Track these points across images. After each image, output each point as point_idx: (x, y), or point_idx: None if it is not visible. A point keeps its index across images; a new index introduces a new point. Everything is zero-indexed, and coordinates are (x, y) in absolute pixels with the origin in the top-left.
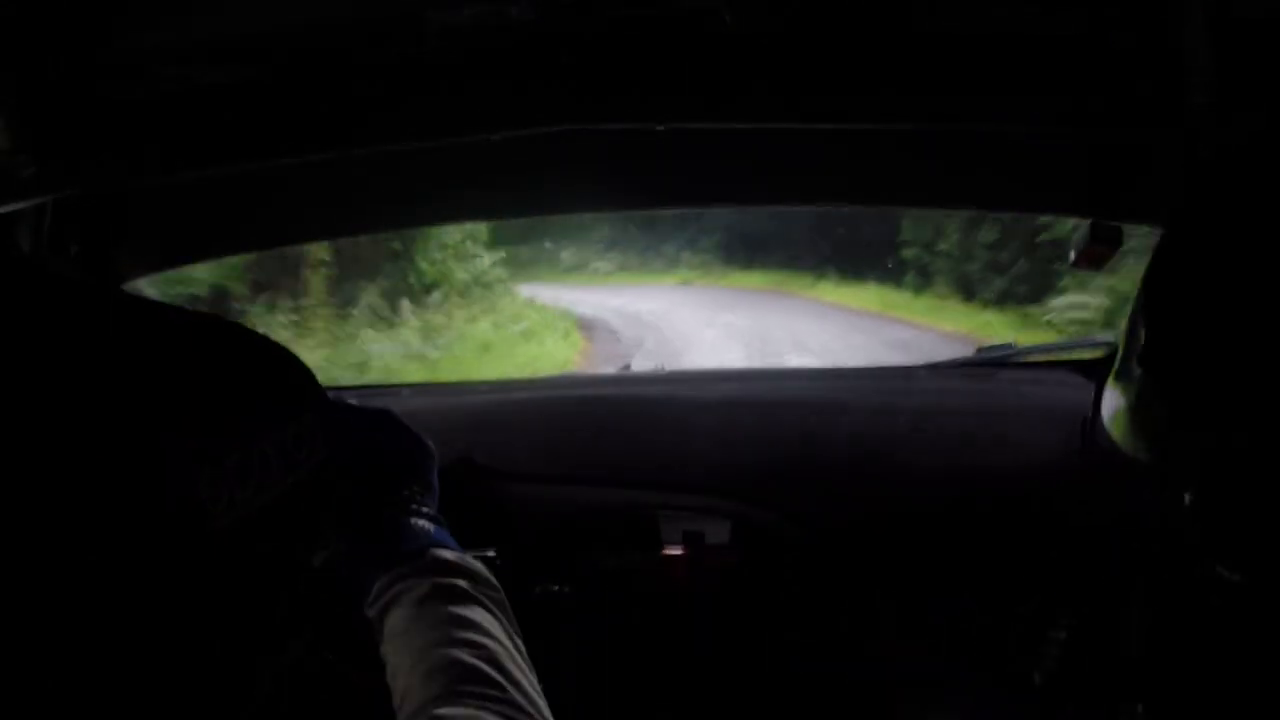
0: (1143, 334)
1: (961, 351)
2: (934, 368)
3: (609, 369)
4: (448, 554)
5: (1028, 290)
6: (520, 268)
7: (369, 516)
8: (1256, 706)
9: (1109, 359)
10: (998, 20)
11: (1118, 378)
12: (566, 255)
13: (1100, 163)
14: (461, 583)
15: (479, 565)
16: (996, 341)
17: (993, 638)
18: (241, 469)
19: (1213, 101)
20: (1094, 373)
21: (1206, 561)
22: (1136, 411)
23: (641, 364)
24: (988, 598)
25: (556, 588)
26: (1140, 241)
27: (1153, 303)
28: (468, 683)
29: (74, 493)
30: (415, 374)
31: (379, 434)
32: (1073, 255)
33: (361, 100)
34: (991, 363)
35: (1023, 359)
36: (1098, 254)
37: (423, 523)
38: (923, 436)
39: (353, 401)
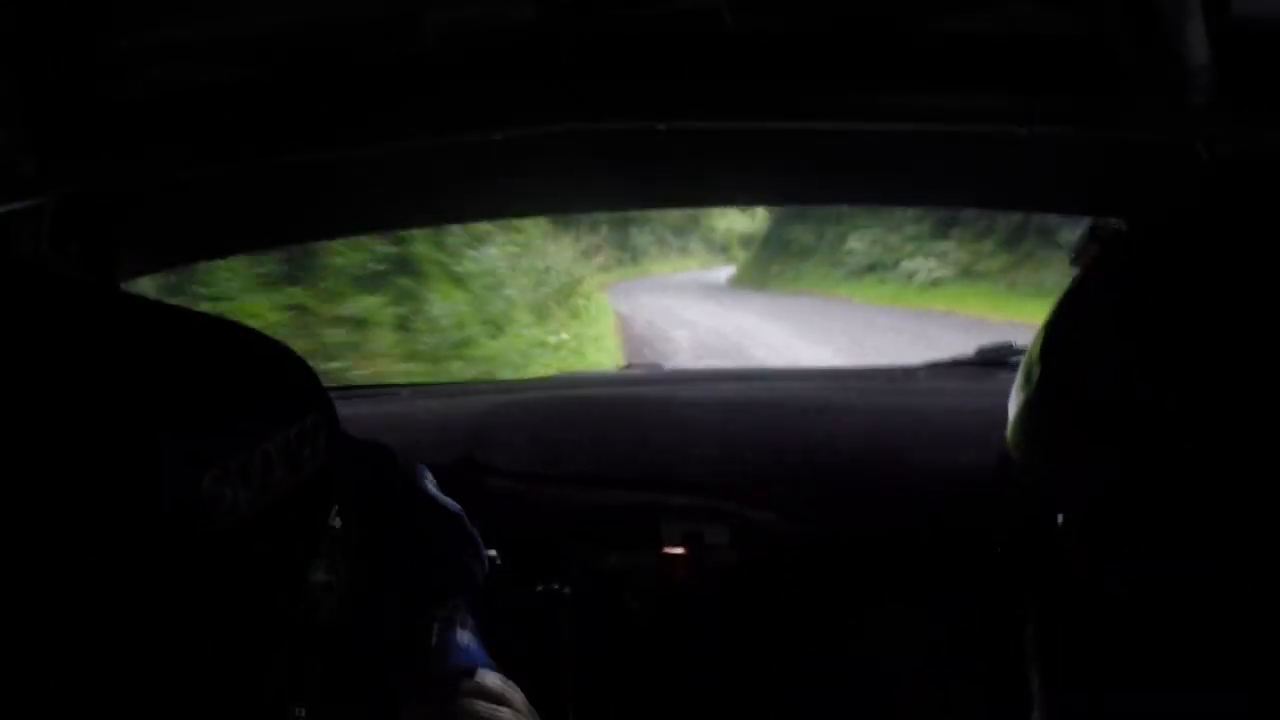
0: (1041, 344)
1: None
2: (934, 368)
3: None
4: (492, 679)
5: None
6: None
7: (414, 622)
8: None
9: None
10: (998, 20)
11: (1020, 384)
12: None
13: (1100, 164)
14: (504, 712)
15: (517, 693)
16: (996, 341)
17: (993, 636)
18: (243, 469)
19: (1213, 101)
20: None
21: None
22: (1027, 420)
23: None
24: (988, 598)
25: (556, 588)
26: None
27: (1075, 303)
28: None
29: (74, 492)
30: None
31: (443, 534)
32: (1072, 255)
33: (361, 100)
34: (991, 363)
35: (1023, 358)
36: (1097, 253)
37: (467, 638)
38: (923, 436)
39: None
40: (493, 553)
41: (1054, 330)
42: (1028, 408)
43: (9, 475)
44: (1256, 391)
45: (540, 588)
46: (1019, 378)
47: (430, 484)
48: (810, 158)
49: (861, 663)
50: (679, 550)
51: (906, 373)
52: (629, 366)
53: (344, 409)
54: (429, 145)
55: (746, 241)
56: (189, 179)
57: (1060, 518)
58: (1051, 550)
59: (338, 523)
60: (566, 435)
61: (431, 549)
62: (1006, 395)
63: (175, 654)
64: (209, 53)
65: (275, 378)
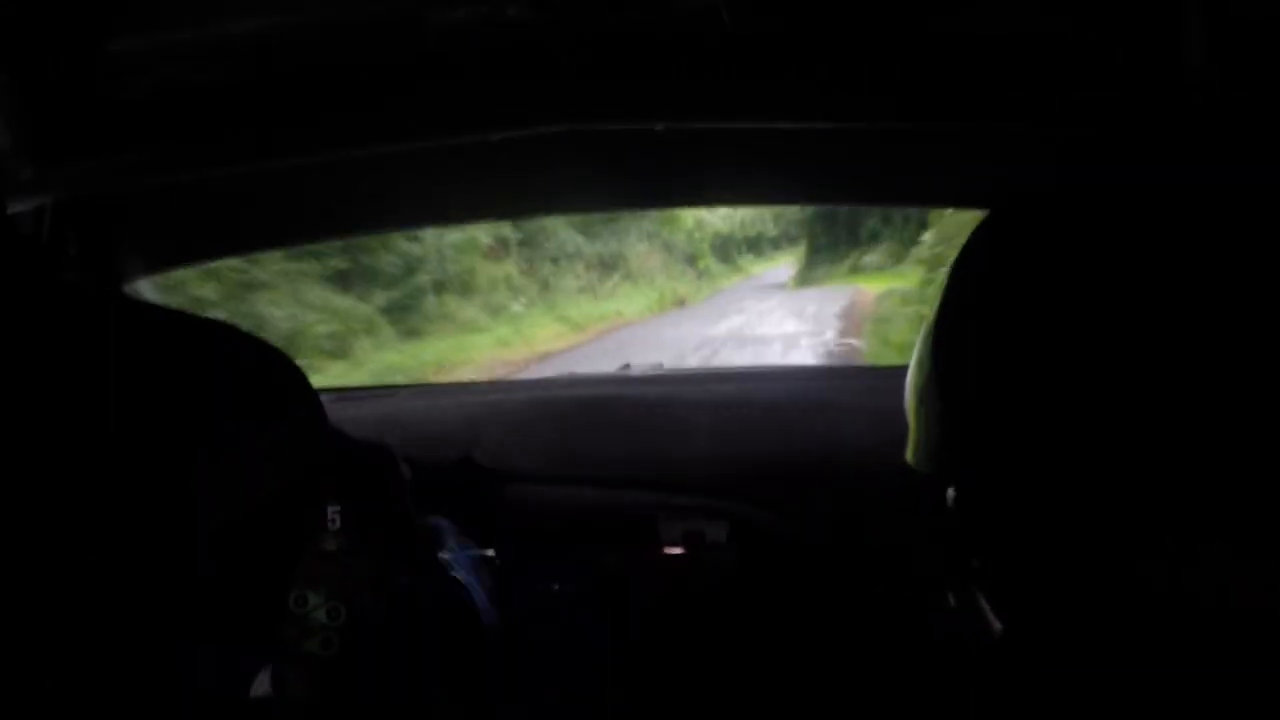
0: (933, 322)
1: None
2: None
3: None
4: None
5: None
6: None
7: (407, 693)
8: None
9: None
10: (998, 20)
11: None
12: None
13: (1101, 163)
14: None
15: None
16: None
17: (992, 638)
18: (233, 469)
19: (1213, 100)
20: None
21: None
22: (918, 405)
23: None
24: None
25: (556, 588)
26: None
27: (952, 290)
28: None
29: (69, 494)
30: None
31: (441, 613)
32: None
33: (361, 100)
34: None
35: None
36: None
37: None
38: None
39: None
40: (492, 552)
41: (938, 330)
42: (917, 391)
43: (3, 479)
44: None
45: (540, 588)
46: (911, 381)
47: (451, 545)
48: (810, 158)
49: (861, 663)
50: (679, 550)
51: (905, 372)
52: (628, 366)
53: (344, 409)
54: (429, 145)
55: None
56: (189, 179)
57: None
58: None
59: (336, 522)
60: (566, 435)
61: (436, 624)
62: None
63: (167, 654)
64: (209, 54)
65: (262, 378)
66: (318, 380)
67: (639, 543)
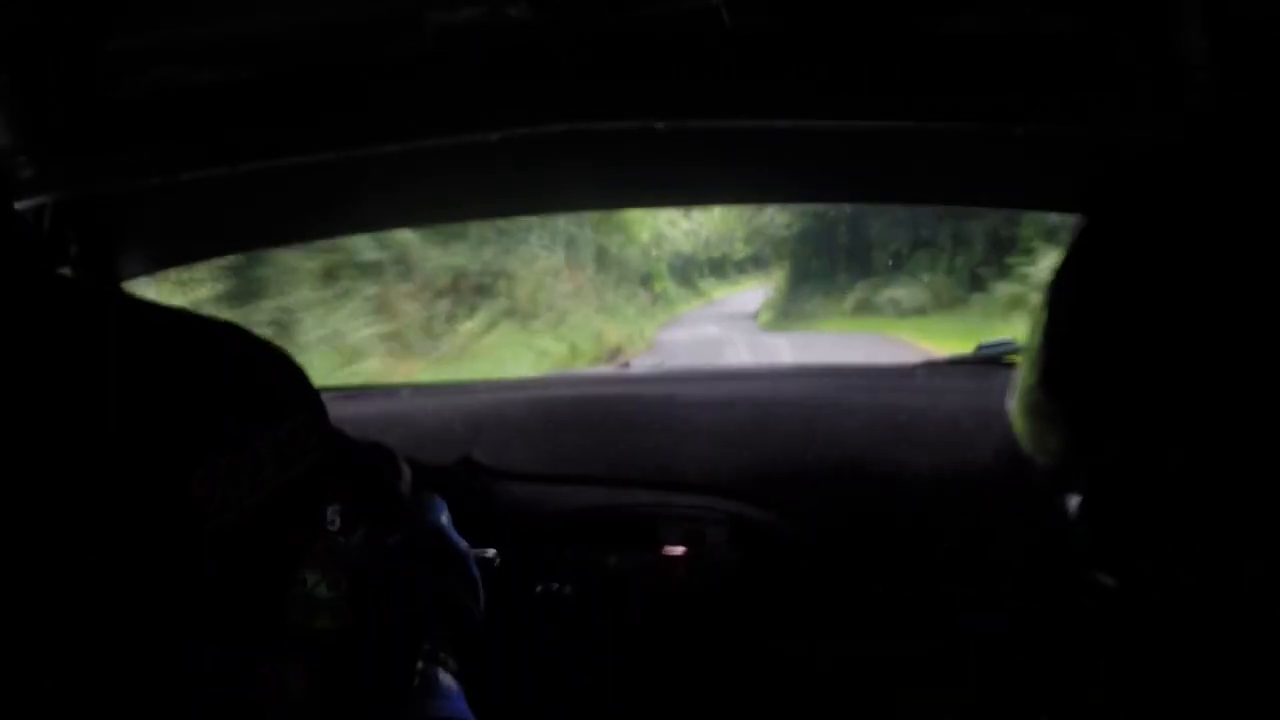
0: (1041, 339)
1: None
2: (933, 366)
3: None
4: None
5: None
6: None
7: (400, 652)
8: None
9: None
10: (998, 20)
11: (1023, 378)
12: None
13: (1100, 163)
14: None
15: None
16: (996, 339)
17: (992, 636)
18: (234, 468)
19: (1213, 101)
20: None
21: (1087, 568)
22: (1031, 411)
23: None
24: (988, 596)
25: (556, 587)
26: None
27: (1057, 298)
28: None
29: (70, 494)
30: None
31: (447, 571)
32: None
33: (361, 100)
34: (991, 361)
35: (1021, 357)
36: None
37: (448, 679)
38: (922, 436)
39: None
40: (492, 552)
41: (1052, 316)
42: (1028, 396)
43: (4, 479)
44: (1241, 385)
45: (540, 588)
46: (1023, 366)
47: (445, 518)
48: (810, 157)
49: (861, 662)
50: (679, 550)
51: (905, 372)
52: (628, 366)
53: (344, 409)
54: (429, 145)
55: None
56: (189, 179)
57: (1071, 507)
58: (1053, 544)
59: (336, 523)
60: (566, 435)
61: (429, 584)
62: (1006, 394)
63: (167, 654)
64: (208, 53)
65: (264, 377)
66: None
67: (639, 543)
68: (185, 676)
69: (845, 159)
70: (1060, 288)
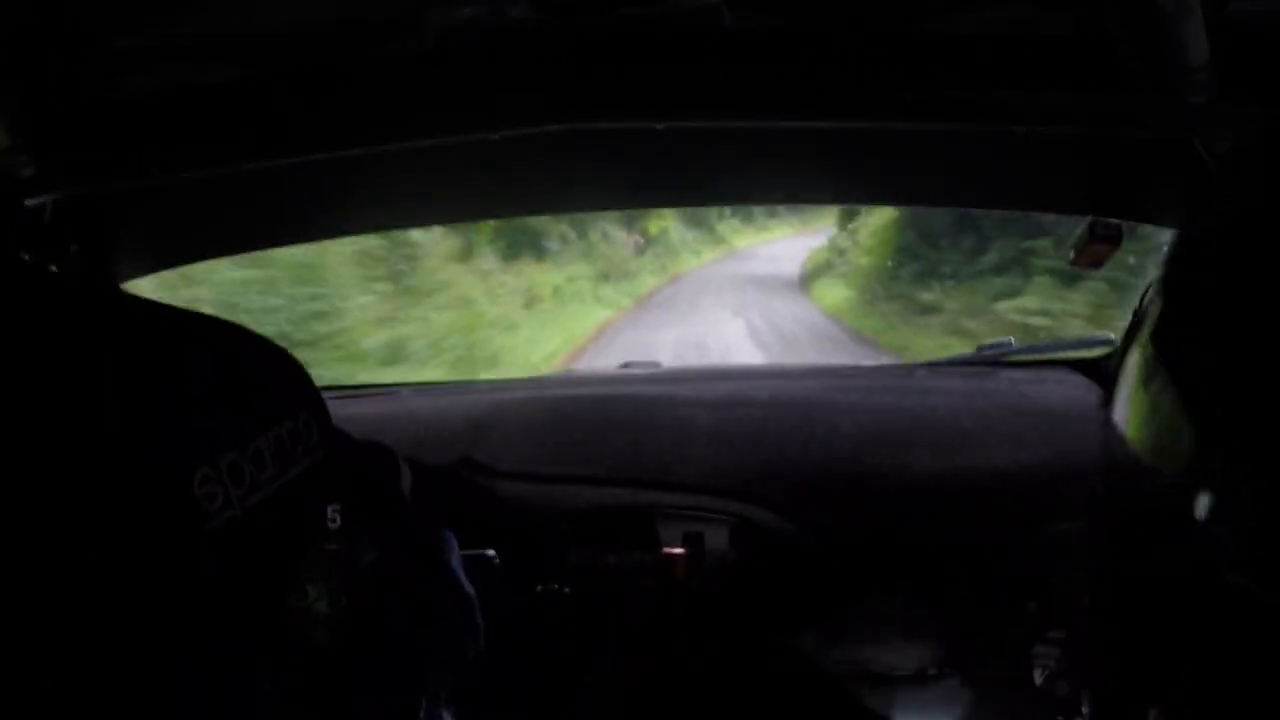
0: (1156, 327)
1: None
2: (933, 366)
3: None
4: None
5: None
6: None
7: (403, 692)
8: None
9: (1108, 357)
10: (998, 20)
11: (1133, 374)
12: None
13: (1100, 162)
14: None
15: None
16: (996, 339)
17: (993, 637)
18: (236, 468)
19: (1213, 101)
20: (1093, 371)
21: (1218, 568)
22: (1151, 410)
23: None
24: (988, 597)
25: (556, 588)
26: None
27: (1172, 298)
28: None
29: (70, 494)
30: None
31: (453, 614)
32: (1073, 254)
33: (362, 100)
34: (991, 361)
35: (1022, 357)
36: (1097, 253)
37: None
38: (922, 436)
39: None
40: (492, 552)
41: (1167, 329)
42: (1154, 412)
43: (6, 478)
44: None
45: (540, 588)
46: (1137, 359)
47: (456, 560)
48: (810, 157)
49: (861, 662)
50: (679, 550)
51: (905, 371)
52: (628, 366)
53: (344, 409)
54: (429, 145)
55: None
56: (189, 179)
57: (1199, 503)
58: (1155, 546)
59: (336, 521)
60: (566, 435)
61: (437, 626)
62: (1006, 395)
63: (167, 653)
64: (208, 53)
65: (265, 376)
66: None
67: (639, 543)
68: (185, 676)
69: (845, 159)
70: (1180, 272)
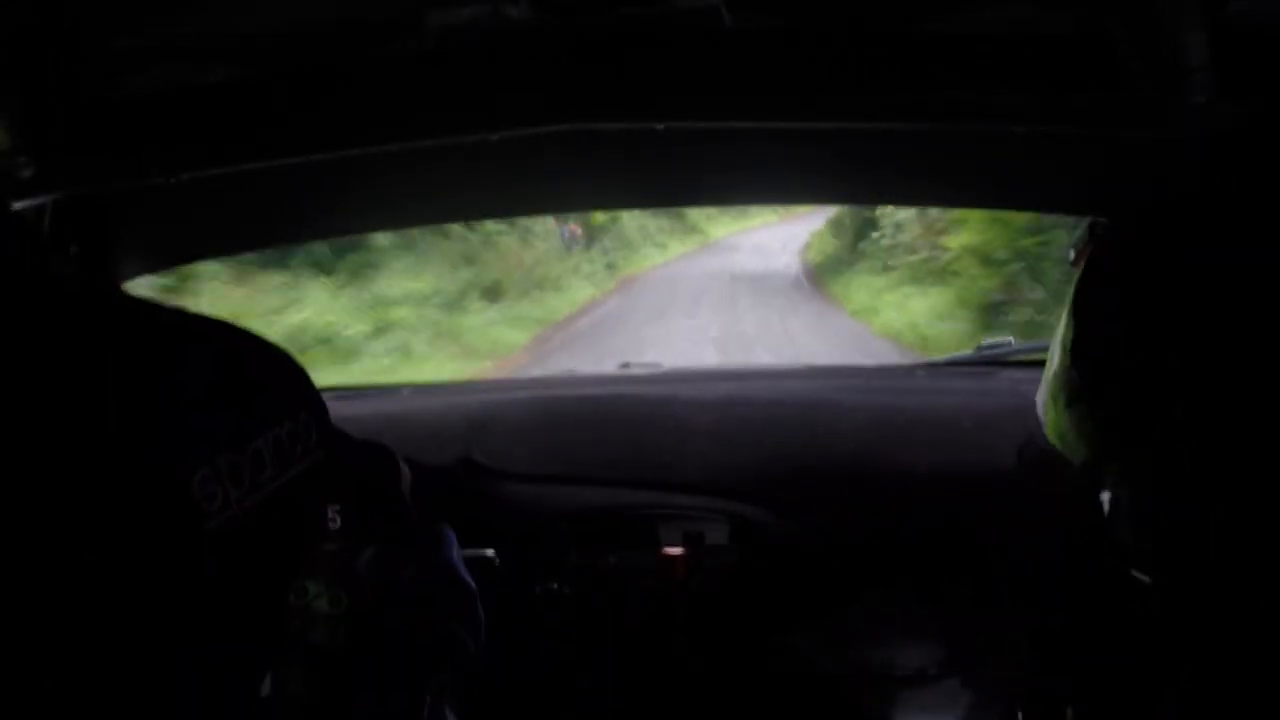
0: (1071, 332)
1: None
2: (933, 367)
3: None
4: None
5: None
6: None
7: (405, 689)
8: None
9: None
10: (998, 20)
11: (1053, 376)
12: None
13: (1100, 162)
14: None
15: None
16: (996, 339)
17: (993, 637)
18: (236, 468)
19: (1213, 101)
20: None
21: (1123, 565)
22: (1068, 411)
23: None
24: (988, 597)
25: (556, 588)
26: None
27: (1083, 302)
28: None
29: (70, 494)
30: None
31: (452, 608)
32: (1072, 255)
33: (361, 100)
34: (991, 361)
35: (1022, 357)
36: None
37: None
38: (922, 435)
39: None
40: (492, 552)
41: (1083, 328)
42: (1067, 407)
43: (4, 479)
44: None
45: (540, 588)
46: (1053, 375)
47: (455, 554)
48: (809, 157)
49: (860, 662)
50: (678, 550)
51: (905, 371)
52: (628, 366)
53: (344, 409)
54: (429, 145)
55: None
56: (189, 179)
57: (1106, 502)
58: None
59: (336, 522)
60: (566, 435)
61: (435, 622)
62: (1006, 395)
63: (168, 653)
64: (208, 53)
65: (265, 376)
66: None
67: (639, 543)
68: (185, 676)
69: (845, 159)
70: (1093, 281)
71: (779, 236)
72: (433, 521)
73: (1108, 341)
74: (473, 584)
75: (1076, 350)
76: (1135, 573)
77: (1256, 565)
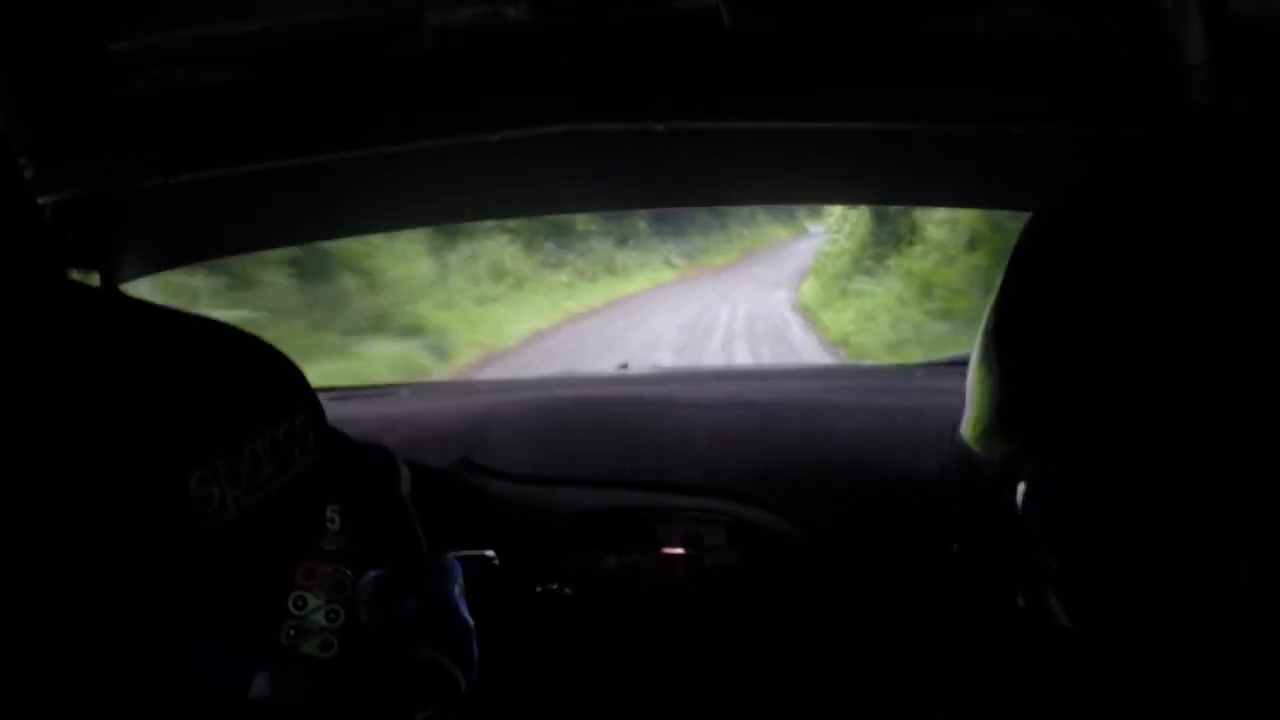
0: (994, 317)
1: None
2: (932, 367)
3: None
4: None
5: None
6: None
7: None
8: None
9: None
10: (998, 20)
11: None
12: None
13: (1100, 162)
14: None
15: None
16: None
17: (992, 637)
18: (231, 470)
19: (1213, 101)
20: None
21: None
22: (983, 403)
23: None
24: (987, 597)
25: (556, 588)
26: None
27: (1011, 286)
28: None
29: (65, 495)
30: None
31: (450, 644)
32: None
33: (361, 100)
34: None
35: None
36: None
37: None
38: (922, 436)
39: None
40: (491, 553)
41: (1005, 315)
42: (986, 398)
43: (2, 480)
44: (1211, 381)
45: (540, 588)
46: (976, 363)
47: (458, 590)
48: (809, 157)
49: (860, 663)
50: (678, 551)
51: (905, 372)
52: (627, 366)
53: (343, 409)
54: (429, 145)
55: None
56: (189, 179)
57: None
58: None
59: (335, 522)
60: (566, 435)
61: (432, 655)
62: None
63: (168, 655)
64: (208, 54)
65: (262, 377)
66: (315, 379)
67: (638, 544)
68: (185, 678)
69: (845, 159)
70: (1029, 249)
71: (778, 283)
72: (438, 553)
73: (1031, 322)
74: (471, 621)
75: (999, 328)
76: (1043, 555)
77: (1165, 549)
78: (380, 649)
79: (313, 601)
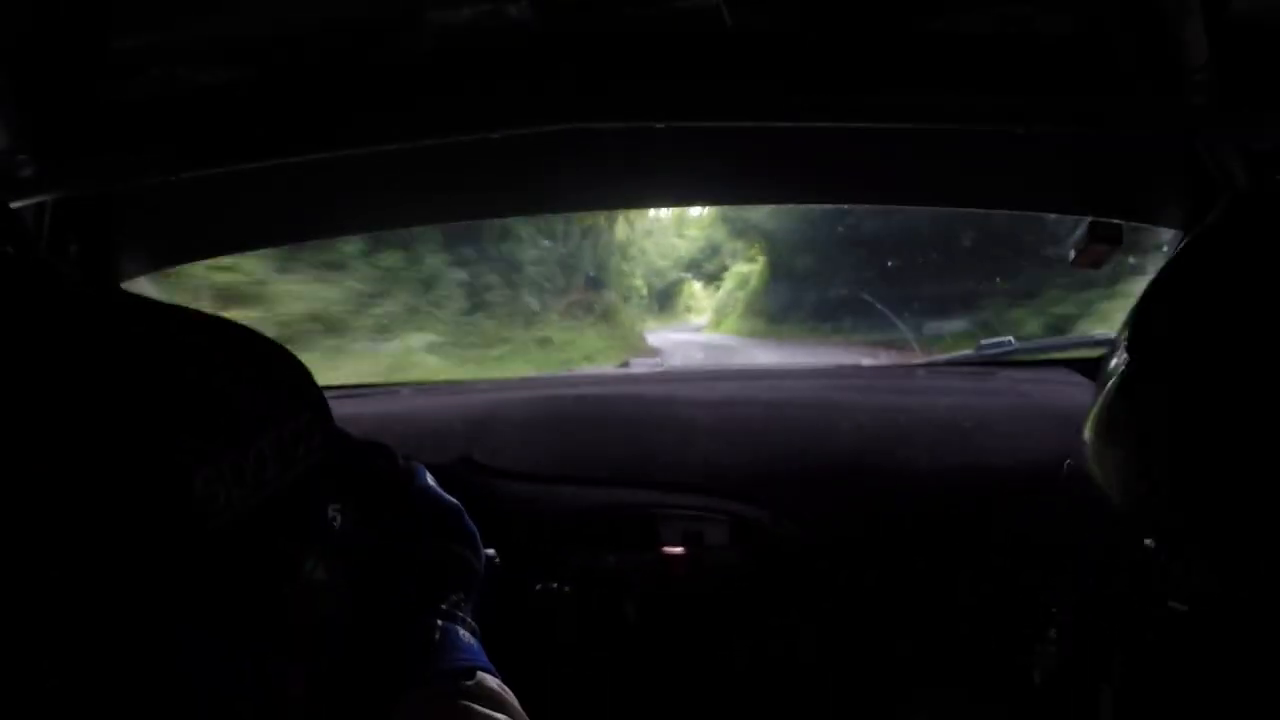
0: (1128, 338)
1: None
2: (933, 367)
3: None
4: (491, 682)
5: None
6: None
7: (415, 617)
8: None
9: (1108, 357)
10: (998, 20)
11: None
12: None
13: (1100, 162)
14: (500, 718)
15: (513, 698)
16: (996, 339)
17: (992, 636)
18: (237, 468)
19: (1212, 101)
20: (1093, 371)
21: (1159, 592)
22: (1110, 449)
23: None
24: (986, 597)
25: (556, 587)
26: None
27: (1152, 310)
28: None
29: (72, 494)
30: None
31: (441, 528)
32: (1073, 254)
33: (361, 100)
34: (991, 361)
35: (1022, 357)
36: (1097, 253)
37: (467, 635)
38: (922, 435)
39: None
40: (491, 552)
41: (1146, 329)
42: (1110, 444)
43: (7, 478)
44: None
45: (540, 588)
46: (1106, 385)
47: (429, 479)
48: (810, 158)
49: (860, 662)
50: (678, 550)
51: (905, 371)
52: (628, 365)
53: (344, 408)
54: (429, 145)
55: None
56: (189, 179)
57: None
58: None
59: (338, 520)
60: (566, 435)
61: (429, 543)
62: (1006, 395)
63: (169, 653)
64: (209, 53)
65: (269, 376)
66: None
67: (639, 543)
68: (187, 676)
69: (845, 159)
70: (1159, 303)
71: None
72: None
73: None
74: (452, 500)
75: (1142, 350)
76: (1172, 603)
77: None
78: (384, 570)
79: (310, 564)
